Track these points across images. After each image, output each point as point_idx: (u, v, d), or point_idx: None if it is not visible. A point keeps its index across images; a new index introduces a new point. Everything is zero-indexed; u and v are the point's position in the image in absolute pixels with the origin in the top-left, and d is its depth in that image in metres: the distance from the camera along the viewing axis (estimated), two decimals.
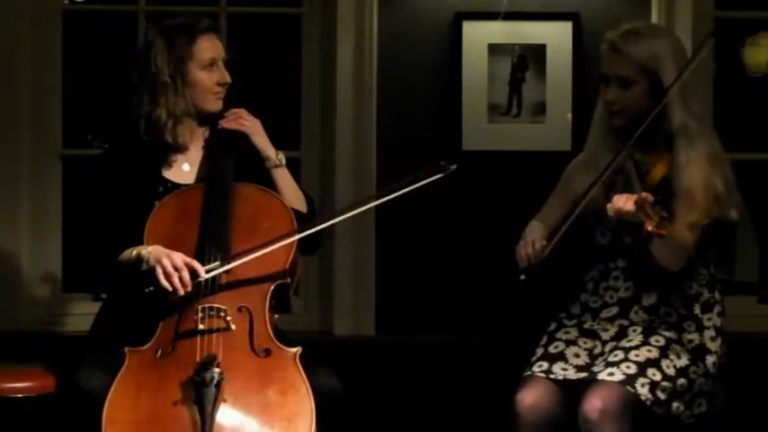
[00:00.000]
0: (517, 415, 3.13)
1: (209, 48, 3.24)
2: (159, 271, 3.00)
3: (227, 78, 3.27)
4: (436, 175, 3.11)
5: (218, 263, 3.05)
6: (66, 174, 4.24)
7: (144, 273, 3.03)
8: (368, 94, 4.16)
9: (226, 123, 3.30)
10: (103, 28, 4.38)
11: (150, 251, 3.05)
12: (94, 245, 3.20)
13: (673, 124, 3.17)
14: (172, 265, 3.00)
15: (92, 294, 4.07)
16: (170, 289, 2.99)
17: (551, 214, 3.28)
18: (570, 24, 4.18)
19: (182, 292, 3.00)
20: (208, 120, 3.31)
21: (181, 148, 3.27)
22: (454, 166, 3.11)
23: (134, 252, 3.08)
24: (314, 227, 3.13)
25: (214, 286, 3.06)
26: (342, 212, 3.27)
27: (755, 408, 3.94)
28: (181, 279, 3.00)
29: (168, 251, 3.03)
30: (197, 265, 3.02)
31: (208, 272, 3.02)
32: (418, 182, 3.11)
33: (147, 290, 3.02)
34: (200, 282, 3.03)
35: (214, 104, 3.28)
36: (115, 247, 3.12)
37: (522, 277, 3.11)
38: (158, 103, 3.22)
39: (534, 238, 3.16)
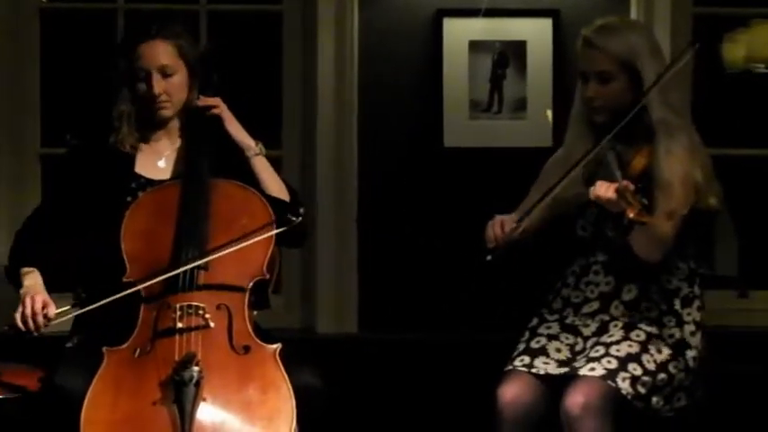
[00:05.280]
0: (498, 409, 3.13)
1: (140, 57, 3.21)
2: (19, 310, 3.05)
3: (153, 91, 3.21)
4: (282, 227, 3.09)
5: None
6: (44, 173, 4.23)
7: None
8: (349, 91, 4.16)
9: (201, 102, 3.28)
10: (82, 26, 4.36)
11: (26, 285, 3.11)
12: (25, 230, 3.23)
13: (652, 118, 3.17)
14: (31, 307, 3.04)
15: (72, 294, 4.05)
16: (22, 329, 3.05)
17: None
18: (550, 21, 4.18)
19: (34, 335, 3.06)
20: (161, 125, 3.29)
21: (129, 149, 3.26)
22: (299, 216, 3.07)
23: (24, 272, 3.15)
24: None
25: (192, 284, 3.05)
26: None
27: (734, 402, 3.94)
28: (35, 321, 3.03)
29: (34, 292, 3.08)
30: (51, 310, 3.05)
31: (56, 314, 3.06)
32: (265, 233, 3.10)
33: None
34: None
35: (155, 114, 3.25)
36: (38, 242, 3.18)
37: (489, 258, 3.10)
38: (115, 105, 3.25)
39: (503, 219, 3.17)
